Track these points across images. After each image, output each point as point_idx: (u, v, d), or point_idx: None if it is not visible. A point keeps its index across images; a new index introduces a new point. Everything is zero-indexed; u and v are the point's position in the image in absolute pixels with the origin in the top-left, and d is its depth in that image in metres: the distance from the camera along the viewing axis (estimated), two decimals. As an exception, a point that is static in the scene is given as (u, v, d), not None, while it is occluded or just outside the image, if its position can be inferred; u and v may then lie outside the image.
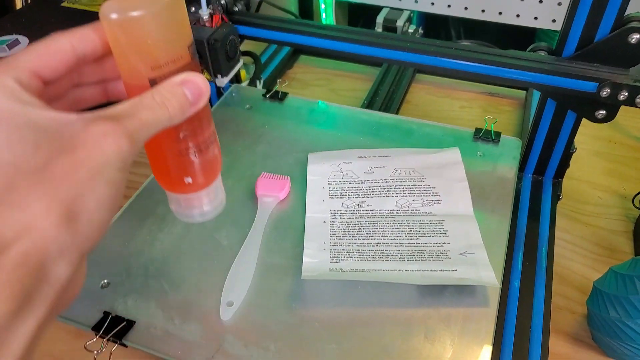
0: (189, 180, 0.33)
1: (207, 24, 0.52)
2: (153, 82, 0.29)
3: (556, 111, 0.52)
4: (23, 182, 0.23)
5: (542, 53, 0.49)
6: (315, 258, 0.43)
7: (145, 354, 0.38)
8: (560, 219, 0.58)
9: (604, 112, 0.48)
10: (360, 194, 0.49)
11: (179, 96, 0.27)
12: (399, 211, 0.47)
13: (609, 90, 0.45)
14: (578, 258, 0.55)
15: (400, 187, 0.49)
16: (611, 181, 0.64)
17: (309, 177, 0.51)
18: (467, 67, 0.52)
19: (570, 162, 0.58)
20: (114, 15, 0.27)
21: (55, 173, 0.23)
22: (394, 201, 0.48)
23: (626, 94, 0.44)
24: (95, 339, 0.38)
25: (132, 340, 0.38)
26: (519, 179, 0.59)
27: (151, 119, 0.26)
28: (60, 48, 0.27)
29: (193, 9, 0.55)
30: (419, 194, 0.48)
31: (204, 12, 0.52)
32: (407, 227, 0.45)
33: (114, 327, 0.38)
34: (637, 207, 0.58)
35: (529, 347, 0.45)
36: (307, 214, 0.47)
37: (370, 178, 0.50)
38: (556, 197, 0.57)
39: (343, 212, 0.48)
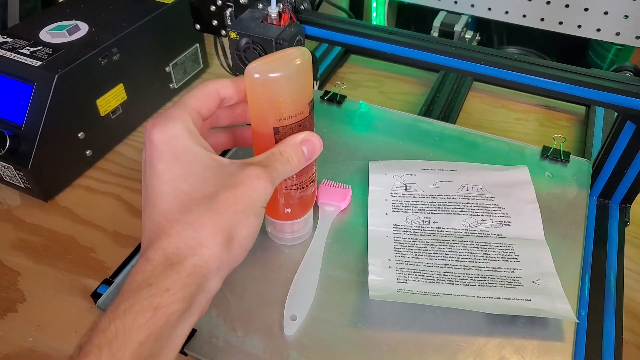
0: (288, 210, 0.42)
1: (275, 23, 0.50)
2: (276, 131, 0.36)
3: (635, 134, 0.49)
4: (196, 207, 0.29)
5: (628, 74, 0.46)
6: (381, 276, 0.41)
7: (205, 364, 0.37)
8: (626, 247, 0.55)
9: (690, 139, 0.45)
10: (425, 209, 0.47)
11: (299, 153, 0.35)
12: (467, 231, 0.45)
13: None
14: (645, 289, 0.53)
15: (468, 204, 0.47)
16: (678, 208, 0.61)
17: (370, 187, 0.49)
18: (550, 85, 0.48)
19: (639, 187, 0.55)
20: (257, 75, 0.33)
21: (220, 203, 0.29)
22: (461, 219, 0.46)
23: None
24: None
25: (193, 350, 0.37)
26: (584, 201, 0.57)
27: (281, 170, 0.33)
28: (211, 92, 0.34)
29: (261, 5, 0.53)
30: (487, 214, 0.46)
31: (273, 10, 0.50)
32: (477, 249, 0.43)
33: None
34: None
35: (598, 383, 0.43)
36: (369, 227, 0.46)
37: (435, 193, 0.48)
38: (623, 223, 0.55)
39: (407, 227, 0.46)
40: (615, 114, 0.52)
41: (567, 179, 0.51)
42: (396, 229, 0.45)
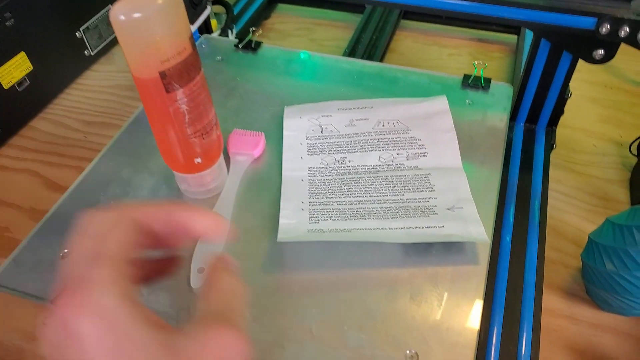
0: (198, 160, 0.39)
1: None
2: (163, 75, 0.33)
3: (550, 53, 0.48)
4: None
5: (536, -12, 0.45)
6: (293, 219, 0.40)
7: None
8: (553, 169, 0.55)
9: (603, 51, 0.44)
10: (341, 149, 0.46)
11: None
12: (382, 166, 0.44)
13: (608, 26, 0.41)
14: (572, 209, 0.53)
15: (384, 140, 0.46)
16: (607, 128, 0.61)
17: (285, 133, 0.47)
18: (454, 6, 0.47)
19: (565, 109, 0.55)
20: (122, 17, 0.31)
21: None
22: (377, 156, 0.44)
23: (627, 29, 0.41)
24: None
25: (96, 313, 0.35)
26: (511, 128, 0.56)
27: (240, 302, 0.23)
28: (135, 229, 0.23)
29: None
30: (403, 147, 0.45)
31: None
32: (391, 182, 0.42)
33: (76, 300, 0.35)
34: (634, 155, 0.55)
35: (521, 303, 0.43)
36: (283, 173, 0.44)
37: (351, 132, 0.47)
38: (550, 147, 0.54)
39: (322, 169, 0.44)
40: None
41: (488, 105, 0.50)
42: (311, 172, 0.44)
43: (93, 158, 0.47)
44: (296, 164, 0.45)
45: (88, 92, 0.69)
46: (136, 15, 0.31)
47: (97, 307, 0.19)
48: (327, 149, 0.46)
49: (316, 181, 0.43)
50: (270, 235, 0.39)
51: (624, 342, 0.43)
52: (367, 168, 0.44)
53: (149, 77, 0.33)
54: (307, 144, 0.46)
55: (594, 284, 0.43)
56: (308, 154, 0.45)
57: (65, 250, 0.39)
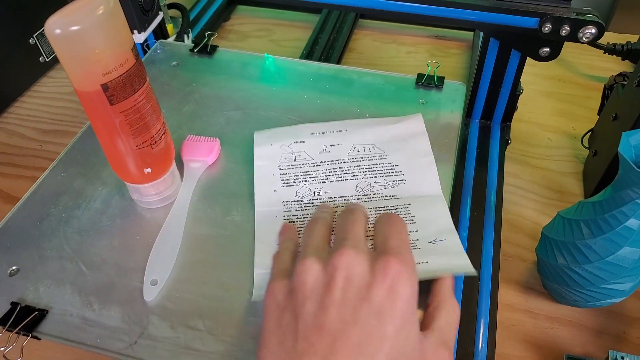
0: (148, 170, 0.39)
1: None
2: (105, 87, 0.33)
3: (500, 51, 0.49)
4: None
5: (482, -12, 0.45)
6: (268, 268, 0.36)
7: (63, 345, 0.35)
8: (509, 163, 0.56)
9: (548, 49, 0.45)
10: (316, 178, 0.43)
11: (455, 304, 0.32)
12: (359, 197, 0.42)
13: (550, 26, 0.42)
14: (528, 203, 0.54)
15: (360, 167, 0.44)
16: (561, 121, 0.62)
17: (256, 163, 0.45)
18: (407, 8, 0.47)
19: (519, 104, 0.56)
20: (58, 31, 0.30)
21: None
22: (353, 185, 0.43)
23: (568, 28, 0.41)
24: (1, 333, 0.35)
25: (45, 332, 0.35)
26: (467, 125, 0.57)
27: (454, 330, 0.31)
28: None
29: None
30: (380, 175, 0.43)
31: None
32: (371, 216, 0.40)
33: (24, 319, 0.35)
34: (585, 147, 0.57)
35: (478, 298, 0.43)
36: (256, 209, 0.42)
37: (326, 159, 0.45)
38: (505, 142, 0.55)
39: (298, 202, 0.42)
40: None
41: (441, 104, 0.50)
42: (286, 207, 0.42)
43: (45, 168, 0.46)
44: (269, 198, 0.42)
45: (44, 100, 0.68)
46: (73, 28, 0.30)
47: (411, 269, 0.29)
48: (301, 180, 0.44)
49: (292, 217, 0.41)
50: (224, 242, 0.39)
51: (580, 333, 0.44)
52: (345, 199, 0.42)
53: (91, 90, 0.33)
54: (280, 174, 0.44)
55: (548, 278, 0.44)
56: (281, 186, 0.43)
57: (14, 267, 0.38)
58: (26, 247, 0.39)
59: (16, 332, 0.34)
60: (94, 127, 0.36)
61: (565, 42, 0.44)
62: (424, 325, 0.30)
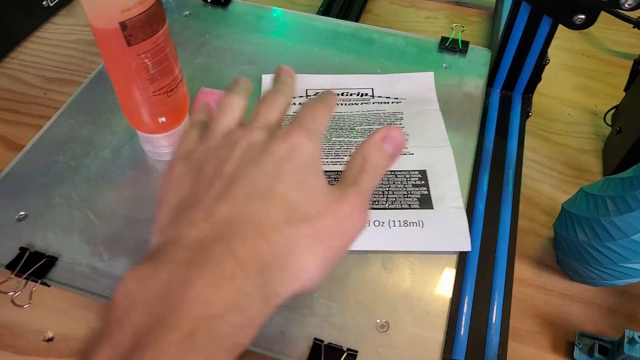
0: (162, 120, 0.37)
1: None
2: (124, 26, 0.31)
3: (530, 17, 0.47)
4: (298, 224, 0.24)
5: (519, -52, 0.43)
6: None
7: (72, 293, 0.34)
8: (528, 137, 0.54)
9: (583, 16, 0.43)
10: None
11: (382, 152, 0.28)
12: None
13: (591, -10, 0.40)
14: (546, 179, 0.52)
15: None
16: (582, 97, 0.61)
17: None
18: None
19: (542, 77, 0.54)
20: None
21: (319, 231, 0.25)
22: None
23: (610, -7, 0.39)
24: (10, 278, 0.34)
25: (55, 279, 0.34)
26: (487, 94, 0.55)
27: (371, 185, 0.27)
28: None
29: None
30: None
31: None
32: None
33: (33, 265, 0.34)
34: (608, 124, 0.55)
35: (493, 271, 0.43)
36: None
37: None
38: (525, 114, 0.53)
39: None
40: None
41: (465, 70, 0.48)
42: None
43: (51, 116, 0.44)
44: None
45: (47, 47, 0.65)
46: None
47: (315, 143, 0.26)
48: None
49: None
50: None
51: (592, 312, 0.44)
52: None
53: (109, 28, 0.31)
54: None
55: (565, 254, 0.43)
56: None
57: (22, 213, 0.37)
58: (33, 194, 0.38)
59: (25, 278, 0.33)
60: (108, 69, 0.34)
61: (596, 14, 0.42)
62: None
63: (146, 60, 0.33)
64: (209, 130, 0.28)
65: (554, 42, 0.50)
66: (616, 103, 0.55)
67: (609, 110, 0.55)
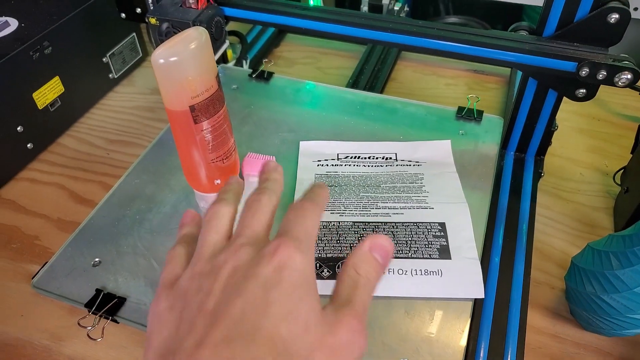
0: (218, 182, 0.44)
1: (192, 6, 0.52)
2: (192, 109, 0.38)
3: (537, 90, 0.53)
4: None
5: (524, 33, 0.49)
6: None
7: (136, 330, 0.40)
8: (542, 195, 0.59)
9: (584, 90, 0.49)
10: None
11: (373, 263, 0.27)
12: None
13: (587, 70, 0.45)
14: (558, 234, 0.56)
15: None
16: (593, 158, 0.65)
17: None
18: (449, 47, 0.52)
19: (554, 139, 0.59)
20: (161, 61, 0.36)
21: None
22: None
23: (605, 73, 0.45)
24: (88, 315, 0.40)
25: (124, 316, 0.40)
26: (502, 156, 0.60)
27: (367, 299, 0.26)
28: None
29: (178, -11, 0.55)
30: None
31: (190, -7, 0.52)
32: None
33: (106, 304, 0.40)
34: (617, 184, 0.59)
35: (507, 320, 0.46)
36: None
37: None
38: (537, 174, 0.58)
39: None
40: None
41: (480, 136, 0.54)
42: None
43: (115, 174, 0.51)
44: None
45: (111, 112, 0.74)
46: (172, 59, 0.36)
47: (309, 255, 0.25)
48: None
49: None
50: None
51: (605, 360, 0.47)
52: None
53: (181, 110, 0.38)
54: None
55: (576, 305, 0.47)
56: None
57: (97, 259, 0.43)
58: (106, 243, 0.45)
59: (99, 315, 0.39)
60: (176, 141, 0.41)
61: (601, 83, 0.48)
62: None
63: (208, 135, 0.40)
64: (196, 249, 0.28)
65: (567, 107, 0.55)
66: (625, 164, 0.59)
67: (618, 171, 0.59)
